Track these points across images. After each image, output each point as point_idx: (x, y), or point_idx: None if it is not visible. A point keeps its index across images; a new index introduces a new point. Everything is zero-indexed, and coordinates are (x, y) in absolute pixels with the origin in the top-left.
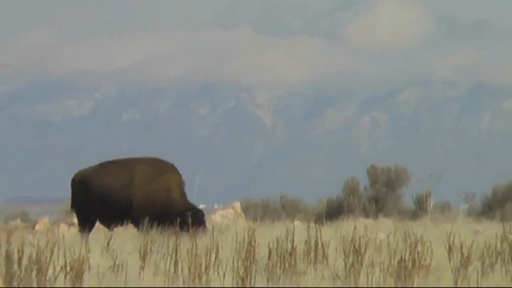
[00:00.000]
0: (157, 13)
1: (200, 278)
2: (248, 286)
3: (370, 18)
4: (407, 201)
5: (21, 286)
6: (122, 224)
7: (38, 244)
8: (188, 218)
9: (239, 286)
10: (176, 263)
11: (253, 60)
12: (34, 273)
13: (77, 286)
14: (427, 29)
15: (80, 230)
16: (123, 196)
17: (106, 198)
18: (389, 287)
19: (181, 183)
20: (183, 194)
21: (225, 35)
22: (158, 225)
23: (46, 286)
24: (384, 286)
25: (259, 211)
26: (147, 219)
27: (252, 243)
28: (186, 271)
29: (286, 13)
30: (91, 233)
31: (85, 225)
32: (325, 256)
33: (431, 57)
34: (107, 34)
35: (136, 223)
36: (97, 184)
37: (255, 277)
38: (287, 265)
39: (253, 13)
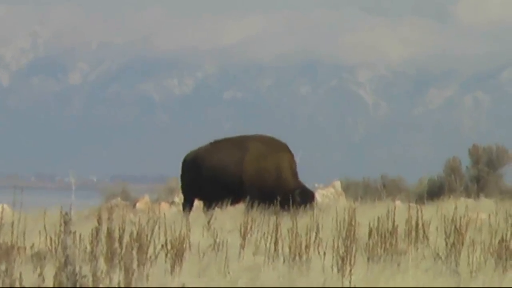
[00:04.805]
0: None
1: (300, 257)
2: (348, 265)
3: None
4: (509, 181)
5: (122, 264)
6: (232, 203)
7: (139, 222)
8: (296, 196)
9: (339, 265)
10: (276, 242)
11: (357, 40)
12: (135, 251)
13: (177, 264)
14: None
15: (184, 210)
16: (234, 173)
17: (218, 176)
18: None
19: (293, 163)
20: (294, 174)
21: (331, 15)
22: (268, 204)
23: (146, 264)
24: (484, 266)
25: (360, 191)
26: (256, 197)
27: (353, 223)
28: (286, 250)
29: None
30: (191, 212)
31: (191, 204)
32: (426, 236)
33: None
34: (212, 12)
35: (246, 200)
36: (209, 162)
37: (355, 257)
38: (387, 244)
39: None
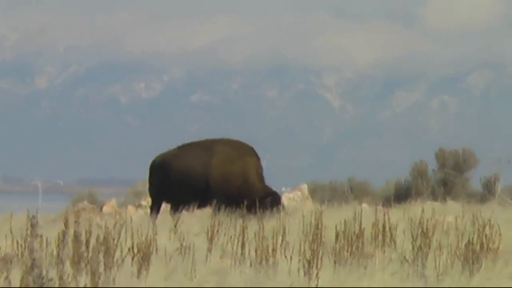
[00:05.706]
0: None
1: (267, 260)
2: (315, 268)
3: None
4: (475, 184)
5: (89, 267)
6: (199, 206)
7: (105, 226)
8: (263, 200)
9: (306, 268)
10: (243, 245)
11: (324, 43)
12: (101, 255)
13: (144, 267)
14: (504, 11)
15: (151, 213)
16: (201, 176)
17: (185, 179)
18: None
19: (259, 167)
20: (261, 178)
21: (299, 19)
22: (235, 207)
23: (113, 268)
24: (451, 269)
25: (327, 194)
26: (223, 200)
27: (319, 226)
28: (253, 253)
29: None
30: (158, 215)
31: (158, 208)
32: (392, 239)
33: (505, 38)
34: (180, 15)
35: (213, 203)
36: (176, 166)
37: (322, 260)
38: (354, 248)
39: None
